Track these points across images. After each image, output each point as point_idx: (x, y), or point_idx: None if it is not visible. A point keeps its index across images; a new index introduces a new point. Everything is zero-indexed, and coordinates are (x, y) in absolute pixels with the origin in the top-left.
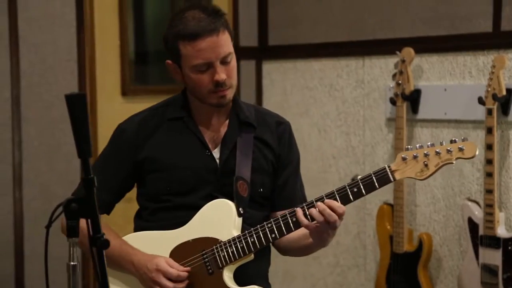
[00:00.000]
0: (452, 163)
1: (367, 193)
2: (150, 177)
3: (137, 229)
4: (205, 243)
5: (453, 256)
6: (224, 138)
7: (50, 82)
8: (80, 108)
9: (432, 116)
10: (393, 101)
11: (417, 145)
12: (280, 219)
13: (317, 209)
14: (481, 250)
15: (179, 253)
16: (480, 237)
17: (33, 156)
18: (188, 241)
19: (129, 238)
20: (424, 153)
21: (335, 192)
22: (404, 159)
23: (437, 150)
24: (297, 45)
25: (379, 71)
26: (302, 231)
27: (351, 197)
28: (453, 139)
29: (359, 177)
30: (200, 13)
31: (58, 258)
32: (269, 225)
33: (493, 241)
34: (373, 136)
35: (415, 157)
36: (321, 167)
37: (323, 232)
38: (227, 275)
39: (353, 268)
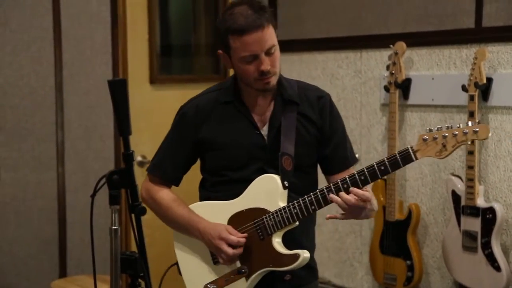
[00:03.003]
0: (468, 143)
1: (392, 170)
2: (208, 154)
3: (201, 197)
4: (256, 213)
5: (438, 223)
6: (271, 118)
7: (88, 72)
8: (121, 92)
9: (421, 102)
10: (387, 89)
11: (437, 127)
12: (318, 192)
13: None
14: (463, 218)
15: (235, 221)
16: (462, 207)
17: (73, 136)
18: (242, 210)
19: (194, 207)
20: (443, 135)
21: (365, 170)
22: (425, 140)
23: (455, 132)
24: (302, 39)
25: (374, 62)
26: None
27: (379, 174)
28: (469, 122)
29: (356, 155)
30: (248, 9)
31: (96, 226)
32: (309, 198)
33: (473, 211)
34: (369, 120)
35: (434, 138)
36: None
37: (353, 211)
38: (276, 241)
39: (350, 234)
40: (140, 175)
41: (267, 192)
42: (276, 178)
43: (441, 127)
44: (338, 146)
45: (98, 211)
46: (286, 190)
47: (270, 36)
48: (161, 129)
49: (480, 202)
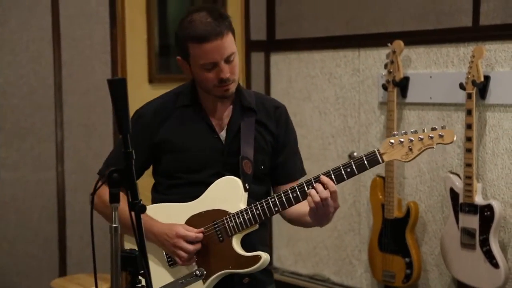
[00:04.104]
0: (433, 147)
1: (359, 172)
2: (165, 157)
3: (154, 201)
4: (216, 215)
5: (436, 221)
6: (229, 123)
7: (87, 71)
8: (120, 91)
9: (419, 100)
10: (385, 87)
11: (402, 132)
12: (282, 194)
13: (314, 188)
14: (461, 216)
15: (193, 223)
16: (460, 204)
17: (73, 135)
18: (201, 212)
19: (148, 210)
20: (409, 139)
21: (331, 172)
22: (391, 143)
23: (420, 137)
24: (300, 38)
25: (372, 61)
26: (302, 208)
27: (345, 176)
28: (434, 126)
29: (355, 153)
30: (207, 16)
31: (96, 224)
32: (273, 199)
33: (471, 208)
34: (367, 118)
35: (401, 142)
36: (321, 145)
37: (318, 210)
38: (236, 242)
39: (349, 232)
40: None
41: (228, 194)
42: (238, 180)
43: (406, 132)
44: (289, 157)
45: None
46: (247, 193)
47: (229, 44)
48: None
49: (478, 199)
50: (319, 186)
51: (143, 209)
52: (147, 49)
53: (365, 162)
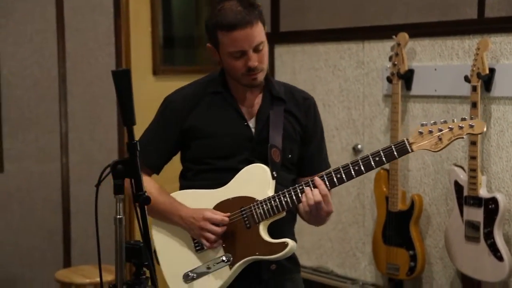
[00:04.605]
0: (463, 137)
1: (387, 161)
2: (194, 143)
3: (182, 187)
4: (244, 201)
5: (440, 214)
6: (259, 111)
7: (91, 63)
8: (125, 82)
9: (423, 93)
10: (389, 80)
11: (431, 121)
12: (310, 181)
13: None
14: (465, 209)
15: (221, 209)
16: (465, 197)
17: (77, 126)
18: (229, 199)
19: (176, 195)
20: (439, 129)
21: (359, 161)
22: (420, 133)
23: (450, 126)
24: (305, 31)
25: (377, 53)
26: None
27: (373, 165)
28: (464, 117)
29: (359, 146)
30: (237, 5)
31: (100, 215)
32: (300, 187)
33: (476, 201)
34: (371, 110)
35: (430, 132)
36: (326, 137)
37: (312, 211)
38: (263, 229)
39: (353, 225)
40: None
41: (256, 181)
42: (266, 168)
43: (435, 122)
44: (316, 149)
45: (102, 201)
46: (274, 181)
47: (258, 33)
48: None
49: (483, 192)
50: (313, 190)
51: (147, 200)
52: (151, 40)
53: (394, 151)
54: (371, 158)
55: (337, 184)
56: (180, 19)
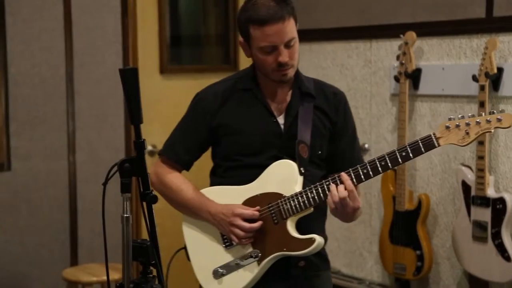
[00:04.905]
0: (491, 131)
1: (414, 156)
2: (224, 140)
3: (212, 184)
4: (271, 197)
5: (448, 214)
6: (288, 107)
7: (98, 61)
8: (132, 80)
9: (431, 92)
10: (397, 79)
11: (459, 115)
12: (336, 177)
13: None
14: (473, 209)
15: (249, 205)
16: (472, 197)
17: (84, 125)
18: (257, 195)
19: (206, 191)
20: (466, 123)
21: (386, 156)
22: (447, 127)
23: (478, 120)
24: (312, 29)
25: (384, 52)
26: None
27: (400, 160)
28: (492, 110)
29: (366, 145)
30: (270, 0)
31: (107, 214)
32: (327, 183)
33: (484, 201)
34: (378, 110)
35: (457, 126)
36: None
37: (337, 208)
38: (290, 225)
39: (360, 224)
40: (150, 165)
41: (283, 177)
42: (293, 164)
43: (463, 116)
44: (347, 145)
45: (108, 200)
46: (302, 177)
47: (290, 28)
48: (171, 119)
49: (490, 192)
50: (339, 186)
51: (154, 199)
52: (158, 39)
53: (421, 146)
54: (397, 153)
55: (363, 179)
56: (187, 18)
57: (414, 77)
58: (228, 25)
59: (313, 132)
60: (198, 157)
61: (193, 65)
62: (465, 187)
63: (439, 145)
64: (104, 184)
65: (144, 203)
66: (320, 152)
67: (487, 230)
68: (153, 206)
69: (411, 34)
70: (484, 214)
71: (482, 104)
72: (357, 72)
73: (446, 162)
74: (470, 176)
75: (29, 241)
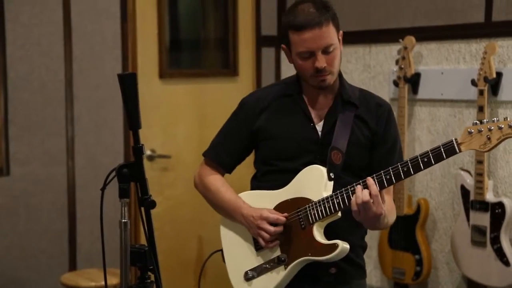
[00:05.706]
0: None
1: (435, 162)
2: (262, 144)
3: (252, 187)
4: (300, 202)
5: (447, 218)
6: (327, 114)
7: (97, 67)
8: (131, 86)
9: (430, 96)
10: (396, 83)
11: (483, 120)
12: (361, 183)
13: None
14: (472, 213)
15: (280, 209)
16: (471, 201)
17: (83, 130)
18: (288, 200)
19: (242, 195)
20: (488, 128)
21: (409, 162)
22: (470, 133)
23: (500, 125)
24: None
25: (383, 57)
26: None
27: (422, 166)
28: None
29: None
30: (310, 6)
31: (106, 219)
32: (352, 188)
33: (483, 205)
34: None
35: (479, 131)
36: None
37: (360, 211)
38: (317, 230)
39: None
40: (149, 169)
41: (312, 182)
42: (322, 169)
43: (486, 121)
44: (384, 155)
45: (107, 205)
46: (332, 182)
47: (328, 34)
48: (170, 123)
49: (489, 197)
50: (363, 190)
51: (152, 204)
52: (157, 44)
53: (442, 151)
54: (419, 159)
55: (386, 185)
56: (187, 22)
57: (413, 81)
58: (228, 30)
59: (351, 141)
60: (240, 161)
61: (192, 70)
62: (464, 191)
63: (460, 151)
64: (102, 189)
65: (142, 208)
66: (357, 160)
67: (486, 235)
68: (152, 210)
69: (410, 39)
70: (483, 219)
71: (481, 109)
72: (356, 77)
73: (445, 166)
74: (469, 181)
75: (28, 246)
